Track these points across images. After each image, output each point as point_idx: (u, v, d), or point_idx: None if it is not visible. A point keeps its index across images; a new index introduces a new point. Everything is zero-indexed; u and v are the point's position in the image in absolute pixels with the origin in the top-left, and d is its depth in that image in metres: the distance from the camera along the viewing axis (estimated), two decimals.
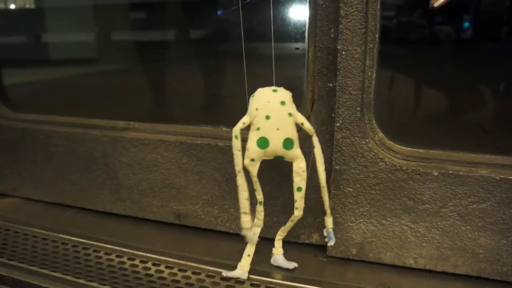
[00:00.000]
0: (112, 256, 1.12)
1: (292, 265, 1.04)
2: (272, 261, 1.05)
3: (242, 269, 1.01)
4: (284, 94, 0.93)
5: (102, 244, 1.16)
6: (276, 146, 0.92)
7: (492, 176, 0.95)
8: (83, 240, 1.18)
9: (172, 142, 1.20)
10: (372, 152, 1.01)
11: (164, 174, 1.24)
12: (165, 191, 1.25)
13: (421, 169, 0.99)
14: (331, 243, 1.00)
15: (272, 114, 0.91)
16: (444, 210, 0.99)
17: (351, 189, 1.04)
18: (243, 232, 0.99)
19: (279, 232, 1.04)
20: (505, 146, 1.12)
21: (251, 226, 0.98)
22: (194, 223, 1.22)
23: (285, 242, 1.06)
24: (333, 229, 1.02)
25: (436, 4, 1.18)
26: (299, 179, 0.95)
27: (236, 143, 0.93)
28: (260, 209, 1.00)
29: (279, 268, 1.05)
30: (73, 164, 1.35)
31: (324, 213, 1.00)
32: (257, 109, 0.92)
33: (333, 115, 1.03)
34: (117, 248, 1.14)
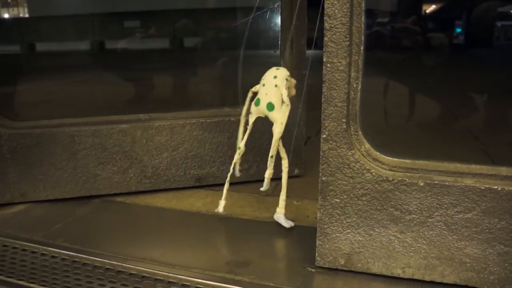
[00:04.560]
0: (101, 270, 1.11)
1: (289, 224, 1.29)
2: (275, 217, 1.32)
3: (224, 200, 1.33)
4: (280, 72, 1.23)
5: (92, 258, 1.16)
6: (263, 107, 1.22)
7: (477, 186, 0.96)
8: (72, 253, 1.18)
9: (194, 123, 1.55)
10: (358, 163, 1.01)
11: (187, 149, 1.58)
12: (187, 161, 1.59)
13: (407, 179, 0.99)
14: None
15: (266, 83, 1.23)
16: (430, 220, 1.00)
17: (338, 200, 1.04)
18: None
19: (281, 192, 1.28)
20: (493, 152, 1.13)
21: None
22: (212, 181, 1.54)
23: (275, 255, 1.06)
24: (321, 239, 1.07)
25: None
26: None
27: (248, 97, 1.29)
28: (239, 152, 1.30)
29: (266, 278, 1.06)
30: (98, 157, 1.52)
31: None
32: (262, 79, 1.25)
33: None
34: (106, 261, 1.14)
